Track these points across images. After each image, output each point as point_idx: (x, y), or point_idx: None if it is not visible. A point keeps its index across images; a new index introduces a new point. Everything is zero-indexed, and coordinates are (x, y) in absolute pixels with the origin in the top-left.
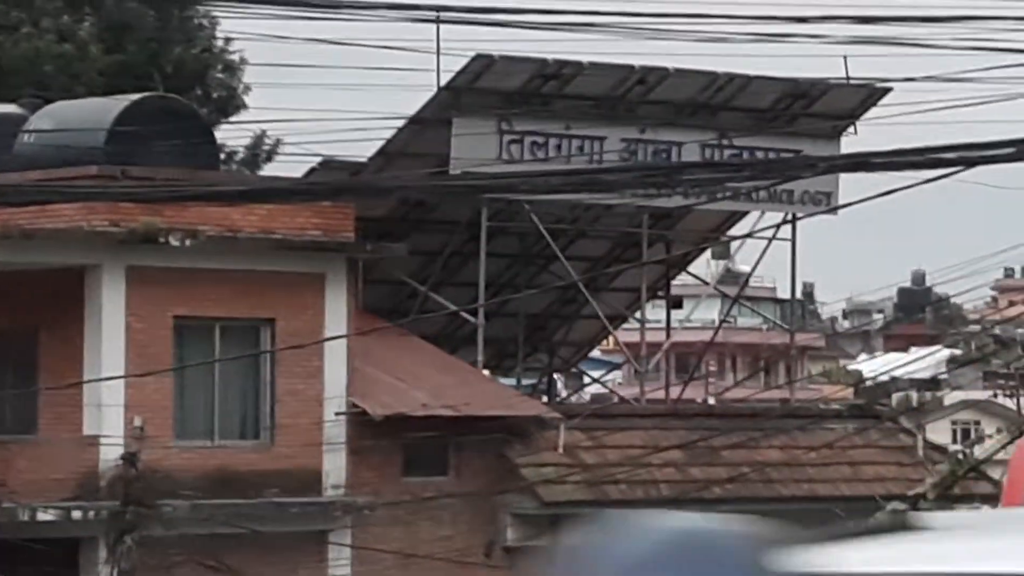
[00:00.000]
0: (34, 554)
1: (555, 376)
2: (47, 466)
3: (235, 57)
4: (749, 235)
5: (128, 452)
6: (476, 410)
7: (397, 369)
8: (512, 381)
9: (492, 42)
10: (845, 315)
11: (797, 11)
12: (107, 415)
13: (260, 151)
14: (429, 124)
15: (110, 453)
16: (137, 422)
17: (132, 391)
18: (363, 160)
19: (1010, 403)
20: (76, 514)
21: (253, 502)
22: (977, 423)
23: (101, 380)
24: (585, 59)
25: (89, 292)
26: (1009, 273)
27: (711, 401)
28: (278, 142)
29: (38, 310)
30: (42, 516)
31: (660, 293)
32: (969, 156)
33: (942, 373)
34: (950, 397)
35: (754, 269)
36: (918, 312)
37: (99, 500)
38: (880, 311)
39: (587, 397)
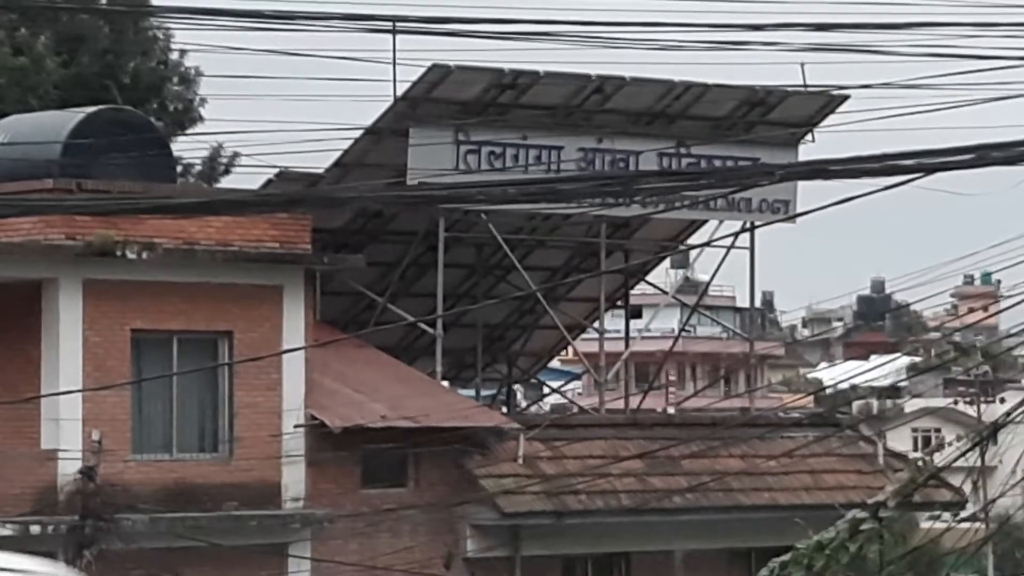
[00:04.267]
0: None
1: (514, 387)
2: (4, 481)
3: (191, 69)
4: (707, 244)
5: (86, 466)
6: (435, 421)
7: (355, 381)
8: (471, 392)
9: (448, 52)
10: (805, 323)
11: (753, 19)
12: (65, 429)
13: (217, 163)
14: (386, 135)
15: (68, 467)
16: (95, 436)
17: (90, 405)
18: (320, 171)
19: (970, 410)
20: (34, 529)
21: (212, 515)
22: (938, 430)
23: (59, 394)
24: (542, 68)
25: (46, 305)
26: (968, 280)
27: (671, 410)
28: (235, 154)
29: None
30: (0, 531)
31: (619, 303)
32: (927, 163)
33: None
34: (910, 404)
35: (713, 278)
36: (878, 320)
37: (58, 515)
38: (840, 319)
39: (546, 407)
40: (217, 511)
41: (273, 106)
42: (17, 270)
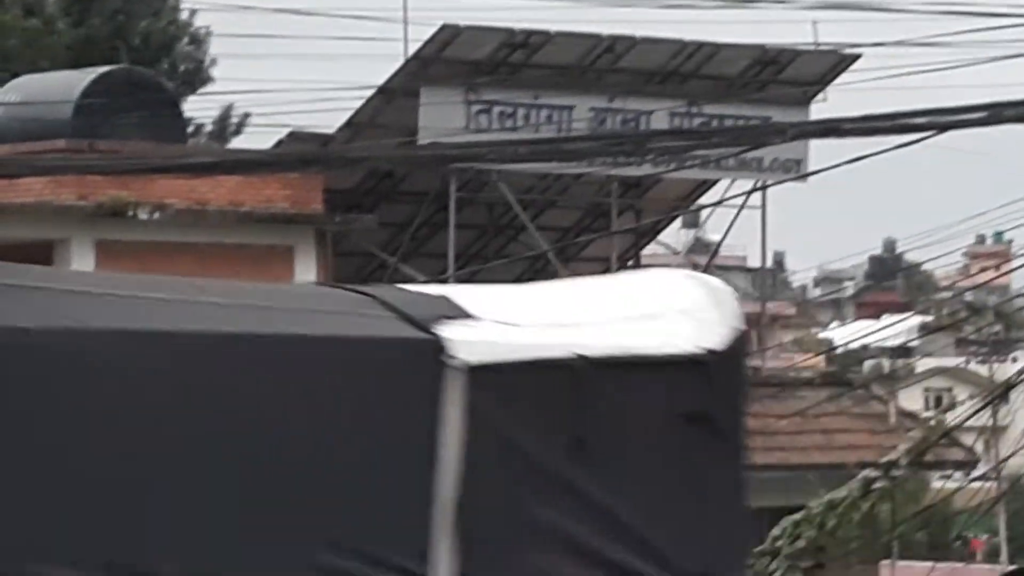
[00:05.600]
0: None
1: None
2: None
3: (201, 29)
4: (719, 203)
5: None
6: None
7: None
8: None
9: (459, 11)
10: (816, 283)
11: None
12: None
13: (228, 124)
14: (397, 95)
15: None
16: None
17: None
18: (331, 131)
19: (982, 369)
20: None
21: None
22: (949, 390)
23: None
24: (553, 28)
25: (58, 265)
26: (980, 240)
27: None
28: (246, 115)
29: None
30: None
31: (630, 263)
32: (940, 121)
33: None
34: (922, 364)
35: (724, 238)
36: (889, 279)
37: None
38: (851, 279)
39: None
40: None
41: (284, 66)
42: (29, 231)
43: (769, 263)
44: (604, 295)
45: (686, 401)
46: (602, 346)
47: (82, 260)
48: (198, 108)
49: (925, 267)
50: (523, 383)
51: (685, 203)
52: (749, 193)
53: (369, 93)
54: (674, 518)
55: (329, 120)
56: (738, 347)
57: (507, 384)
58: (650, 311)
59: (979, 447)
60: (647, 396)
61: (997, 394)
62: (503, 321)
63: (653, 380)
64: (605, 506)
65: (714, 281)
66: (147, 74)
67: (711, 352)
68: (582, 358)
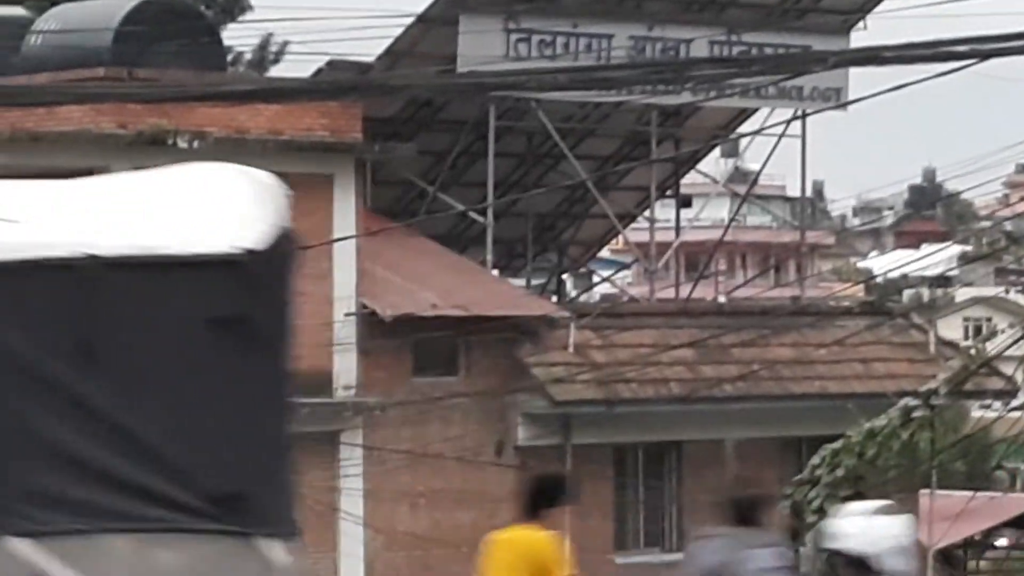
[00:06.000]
0: None
1: (564, 276)
2: None
3: None
4: (758, 132)
5: None
6: (485, 310)
7: (406, 270)
8: (521, 281)
9: None
10: (855, 212)
11: None
12: None
13: (267, 52)
14: (436, 23)
15: None
16: None
17: None
18: (370, 60)
19: (1022, 299)
20: None
21: None
22: (989, 319)
23: None
24: None
25: None
26: (1021, 168)
27: (721, 299)
28: (285, 43)
29: None
30: None
31: (669, 192)
32: (982, 49)
33: (953, 269)
34: (961, 293)
35: (763, 167)
36: (929, 209)
37: None
38: (891, 208)
39: (596, 296)
40: None
41: None
42: (69, 159)
43: (808, 192)
44: (133, 191)
45: (218, 305)
46: (118, 245)
47: None
48: (237, 36)
49: (965, 196)
50: (20, 285)
51: (724, 132)
52: (789, 122)
53: (408, 21)
54: (201, 433)
55: (368, 48)
56: (282, 247)
57: (1, 286)
58: (183, 207)
59: (1019, 376)
60: (171, 300)
61: None
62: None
63: (179, 282)
64: (118, 420)
65: (262, 176)
66: (186, 2)
67: (249, 252)
68: (91, 257)
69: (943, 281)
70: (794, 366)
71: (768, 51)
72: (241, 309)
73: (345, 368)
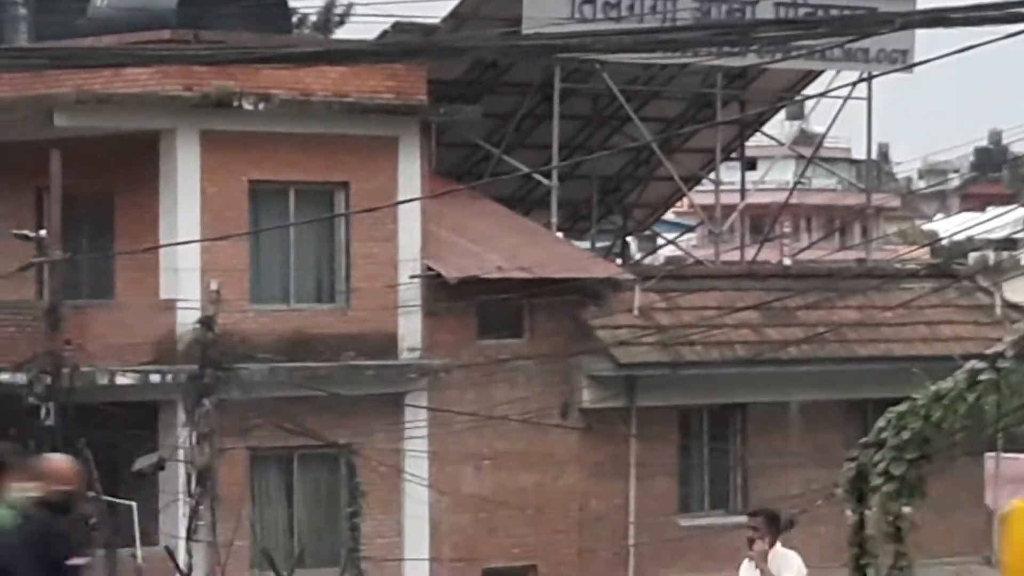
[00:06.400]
0: (113, 417)
1: (629, 238)
2: (125, 331)
3: None
4: (824, 94)
5: (205, 316)
6: (550, 272)
7: (471, 232)
8: (586, 243)
9: None
10: (921, 175)
11: None
12: (183, 279)
13: (332, 14)
14: None
15: (187, 317)
16: (213, 286)
17: (208, 255)
18: (435, 22)
19: None
20: (154, 378)
21: (329, 365)
22: None
23: (177, 244)
24: None
25: (164, 157)
26: None
27: (786, 262)
28: (350, 5)
29: (113, 175)
30: (121, 380)
31: (734, 154)
32: None
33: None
34: None
35: (829, 129)
36: (995, 171)
37: (176, 364)
38: (956, 170)
39: (661, 259)
40: (334, 361)
41: None
42: (135, 121)
43: (873, 155)
44: None
45: None
46: None
47: (187, 150)
48: None
49: None
50: None
51: (790, 94)
52: (854, 84)
53: None
54: None
55: (434, 10)
56: None
57: None
58: None
59: None
60: None
61: None
62: None
63: None
64: None
65: None
66: None
67: None
68: None
69: (1009, 244)
70: (859, 328)
71: (834, 13)
72: None
73: (410, 330)
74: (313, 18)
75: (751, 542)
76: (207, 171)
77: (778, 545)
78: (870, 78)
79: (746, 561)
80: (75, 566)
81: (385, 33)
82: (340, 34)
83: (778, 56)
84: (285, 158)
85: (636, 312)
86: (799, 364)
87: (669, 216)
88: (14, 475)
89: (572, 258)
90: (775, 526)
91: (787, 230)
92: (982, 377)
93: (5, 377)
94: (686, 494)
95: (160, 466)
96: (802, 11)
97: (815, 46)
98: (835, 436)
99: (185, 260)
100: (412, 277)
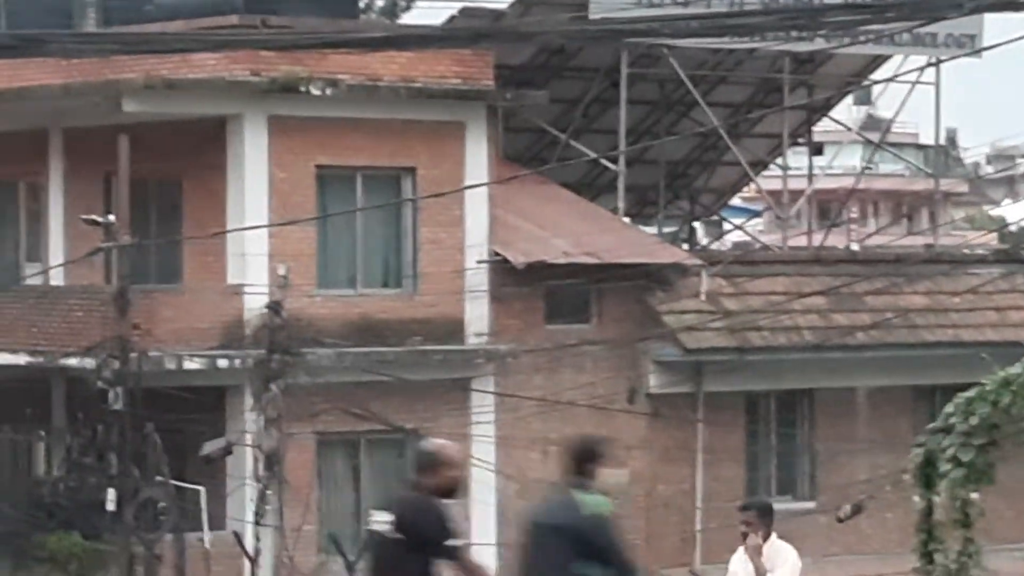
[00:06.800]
0: (181, 402)
1: (695, 223)
2: (192, 315)
3: None
4: (892, 79)
5: (272, 301)
6: (617, 257)
7: (538, 217)
8: (653, 228)
9: None
10: (989, 160)
11: None
12: (251, 264)
13: (399, 0)
14: None
15: (254, 302)
16: (281, 271)
17: (276, 240)
18: (503, 7)
19: None
20: (222, 362)
21: (396, 350)
22: None
23: (245, 229)
24: None
25: (231, 142)
26: None
27: (854, 247)
28: None
29: (181, 160)
30: (188, 365)
31: (801, 139)
32: None
33: None
34: None
35: (896, 114)
36: None
37: (244, 348)
38: None
39: (728, 244)
40: (401, 346)
41: None
42: (203, 106)
43: (941, 140)
44: None
45: None
46: None
47: (255, 136)
48: None
49: None
50: None
51: (857, 79)
52: (922, 69)
53: None
54: None
55: None
56: None
57: None
58: None
59: None
60: None
61: None
62: None
63: None
64: None
65: None
66: None
67: None
68: None
69: None
70: (927, 314)
71: None
72: None
73: (477, 315)
74: (380, 3)
75: (744, 536)
76: (275, 156)
77: (773, 537)
78: (938, 63)
79: (740, 551)
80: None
81: (453, 18)
82: (407, 19)
83: (846, 41)
84: (352, 143)
85: (703, 297)
86: (867, 350)
87: (736, 201)
88: (605, 463)
89: (639, 243)
90: (768, 519)
91: (854, 215)
92: None
93: (74, 362)
94: (753, 479)
95: (228, 451)
96: None
97: (883, 31)
98: (903, 422)
99: (253, 245)
100: (479, 262)
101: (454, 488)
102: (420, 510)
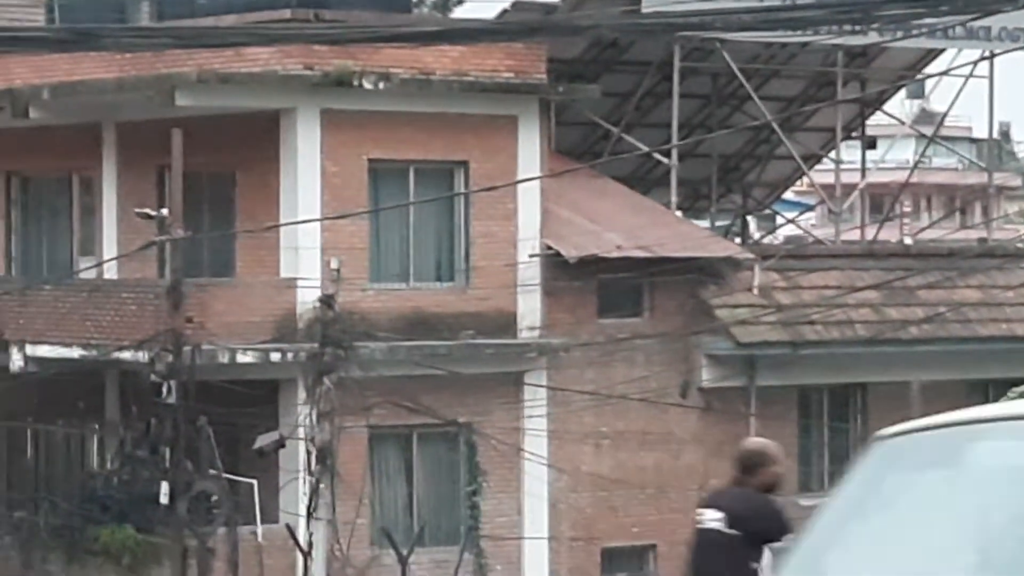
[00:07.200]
0: (233, 395)
1: (748, 217)
2: (245, 309)
3: None
4: (945, 73)
5: (325, 294)
6: (670, 251)
7: (590, 211)
8: (705, 222)
9: None
10: None
11: None
12: (304, 258)
13: None
14: None
15: (307, 295)
16: (334, 264)
17: (328, 234)
18: (555, 1)
19: None
20: (275, 356)
21: (449, 344)
22: None
23: (298, 223)
24: None
25: (284, 135)
26: None
27: (907, 241)
28: None
29: (234, 154)
30: (241, 358)
31: (854, 133)
32: None
33: None
34: None
35: (950, 108)
36: None
37: (297, 342)
38: None
39: (780, 238)
40: (454, 340)
41: None
42: (256, 100)
43: (995, 134)
44: None
45: None
46: None
47: (307, 130)
48: None
49: None
50: None
51: (911, 72)
52: (976, 63)
53: None
54: None
55: None
56: None
57: None
58: None
59: None
60: None
61: None
62: None
63: None
64: None
65: None
66: None
67: None
68: None
69: None
70: (980, 308)
71: None
72: None
73: (529, 309)
74: None
75: None
76: (327, 150)
77: None
78: (992, 56)
79: None
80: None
81: (505, 12)
82: (459, 13)
83: (899, 34)
84: (405, 137)
85: (756, 291)
86: (920, 344)
87: (789, 195)
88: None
89: (692, 237)
90: None
91: (907, 209)
92: None
93: (127, 355)
94: (806, 474)
95: (281, 444)
96: None
97: (937, 24)
98: None
99: (305, 239)
100: (531, 256)
101: (777, 484)
102: (758, 506)
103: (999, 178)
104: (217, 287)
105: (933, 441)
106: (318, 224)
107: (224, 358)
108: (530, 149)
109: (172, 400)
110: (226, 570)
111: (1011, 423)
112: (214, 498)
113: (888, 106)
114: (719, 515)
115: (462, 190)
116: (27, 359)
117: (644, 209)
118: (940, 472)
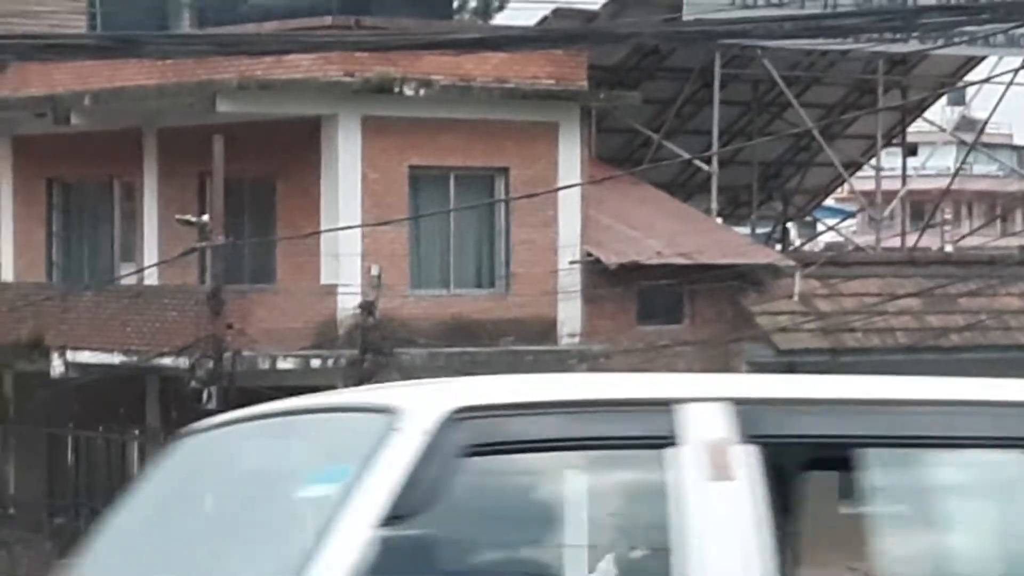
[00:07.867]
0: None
1: (789, 224)
2: (285, 315)
3: None
4: (986, 80)
5: (365, 301)
6: (710, 258)
7: (631, 217)
8: (746, 229)
9: None
10: None
11: None
12: (344, 264)
13: (492, 1)
14: None
15: (347, 302)
16: (374, 271)
17: (368, 240)
18: (596, 8)
19: None
20: (315, 362)
21: (489, 350)
22: None
23: (338, 229)
24: None
25: (325, 142)
26: None
27: (948, 249)
28: None
29: (275, 160)
30: (282, 364)
31: (895, 140)
32: None
33: None
34: None
35: (991, 115)
36: None
37: (337, 348)
38: None
39: (821, 245)
40: (494, 346)
41: None
42: (297, 106)
43: None
44: None
45: None
46: None
47: (348, 136)
48: None
49: None
50: None
51: (952, 80)
52: (1017, 70)
53: None
54: None
55: None
56: None
57: None
58: None
59: None
60: None
61: None
62: None
63: None
64: None
65: None
66: None
67: None
68: None
69: None
70: (1022, 316)
71: None
72: None
73: (570, 316)
74: (473, 4)
75: None
76: (368, 157)
77: None
78: None
79: None
80: None
81: (545, 19)
82: (500, 20)
83: (940, 42)
84: (445, 144)
85: (796, 298)
86: (961, 351)
87: (829, 202)
88: None
89: (732, 244)
90: None
91: (948, 216)
92: None
93: (168, 361)
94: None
95: None
96: None
97: (978, 32)
98: None
99: (346, 245)
100: (572, 263)
101: None
102: None
103: None
104: (257, 293)
105: (217, 440)
106: (359, 231)
107: (264, 364)
108: (571, 156)
109: (212, 406)
110: None
111: (272, 420)
112: None
113: (929, 113)
114: None
115: (503, 197)
116: (68, 365)
117: (685, 216)
118: (200, 474)
